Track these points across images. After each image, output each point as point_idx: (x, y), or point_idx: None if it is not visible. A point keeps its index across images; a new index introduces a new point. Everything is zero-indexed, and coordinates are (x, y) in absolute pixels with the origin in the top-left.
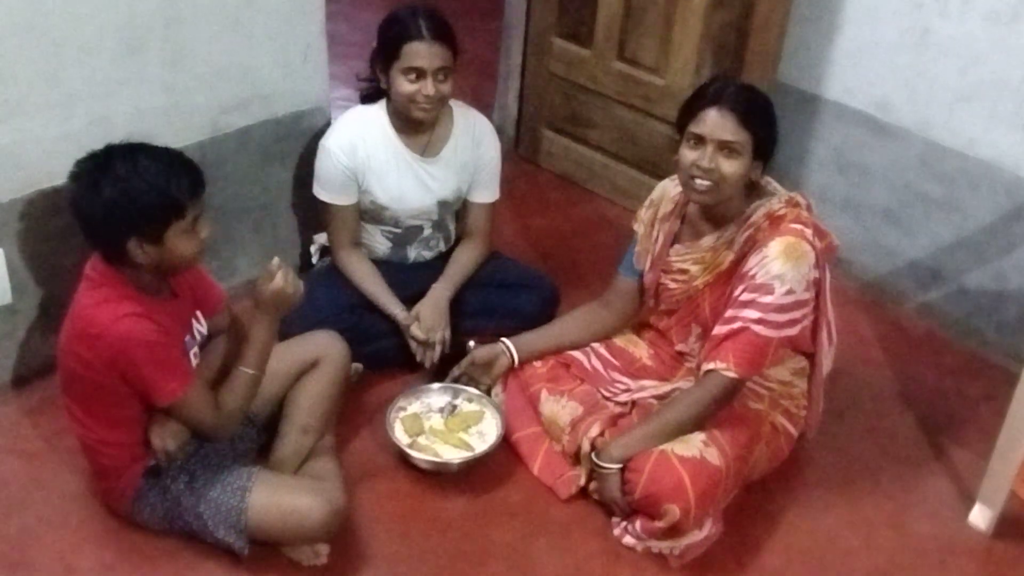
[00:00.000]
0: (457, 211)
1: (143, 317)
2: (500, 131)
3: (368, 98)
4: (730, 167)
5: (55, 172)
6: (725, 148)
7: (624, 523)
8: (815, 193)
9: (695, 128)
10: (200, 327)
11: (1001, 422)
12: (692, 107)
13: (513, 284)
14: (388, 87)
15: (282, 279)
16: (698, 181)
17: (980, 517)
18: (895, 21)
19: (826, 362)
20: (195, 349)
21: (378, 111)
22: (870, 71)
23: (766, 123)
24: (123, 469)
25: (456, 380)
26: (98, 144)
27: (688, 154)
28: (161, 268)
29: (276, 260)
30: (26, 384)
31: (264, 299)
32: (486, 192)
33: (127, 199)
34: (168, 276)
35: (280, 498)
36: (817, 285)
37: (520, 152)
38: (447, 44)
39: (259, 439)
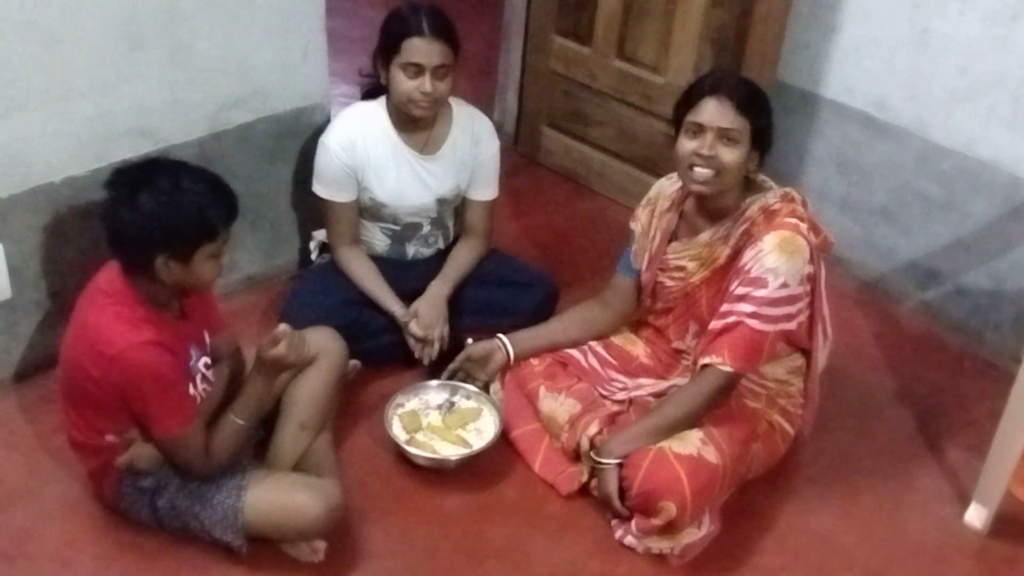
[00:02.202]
0: (456, 208)
1: (162, 348)
2: (500, 128)
3: (370, 94)
4: (729, 155)
5: (55, 167)
6: (724, 135)
7: (624, 523)
8: (813, 192)
9: (694, 117)
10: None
11: (997, 422)
12: (689, 98)
13: (512, 281)
14: (388, 83)
15: (285, 347)
16: (698, 170)
17: (976, 516)
18: (894, 20)
19: (821, 359)
20: (201, 373)
21: (377, 108)
22: (869, 70)
23: (763, 111)
24: (109, 471)
25: (452, 375)
26: (98, 140)
27: (687, 143)
28: (179, 287)
29: (283, 326)
30: (26, 379)
31: (265, 360)
32: (485, 190)
33: (166, 215)
34: (183, 295)
35: (277, 495)
36: (812, 280)
37: (519, 149)
38: (448, 42)
39: (256, 436)
